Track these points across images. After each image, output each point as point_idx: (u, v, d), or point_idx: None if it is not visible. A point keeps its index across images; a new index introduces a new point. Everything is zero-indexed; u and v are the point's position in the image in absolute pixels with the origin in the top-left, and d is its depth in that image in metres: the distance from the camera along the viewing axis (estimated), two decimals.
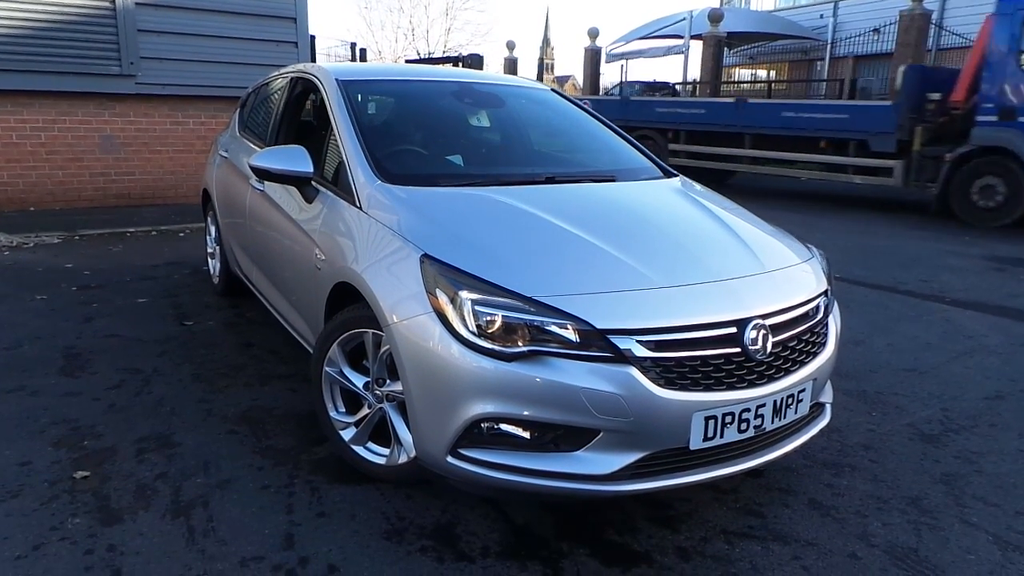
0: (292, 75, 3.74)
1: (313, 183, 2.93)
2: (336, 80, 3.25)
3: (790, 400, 2.24)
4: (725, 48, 22.18)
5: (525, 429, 2.07)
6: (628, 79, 29.09)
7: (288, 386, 3.37)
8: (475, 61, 10.96)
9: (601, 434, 2.01)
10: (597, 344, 1.98)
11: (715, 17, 20.33)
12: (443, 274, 2.13)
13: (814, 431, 2.45)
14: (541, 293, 2.05)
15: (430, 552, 2.16)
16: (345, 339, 2.52)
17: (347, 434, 2.59)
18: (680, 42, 23.07)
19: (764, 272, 2.37)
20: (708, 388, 2.06)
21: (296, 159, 2.87)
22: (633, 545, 2.23)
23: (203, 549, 2.14)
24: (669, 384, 2.01)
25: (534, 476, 2.05)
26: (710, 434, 2.08)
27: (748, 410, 2.12)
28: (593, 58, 25.17)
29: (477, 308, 2.03)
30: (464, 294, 2.05)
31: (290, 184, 2.95)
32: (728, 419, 2.09)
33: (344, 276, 2.50)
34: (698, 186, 3.24)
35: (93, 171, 7.66)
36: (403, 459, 2.42)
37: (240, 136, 4.28)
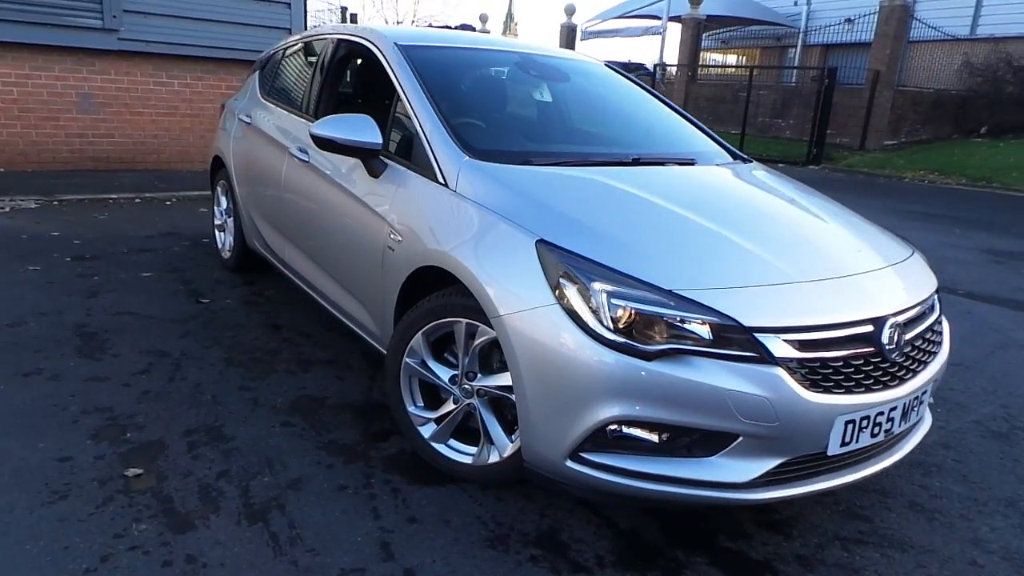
0: (335, 37, 3.45)
1: (381, 157, 2.69)
2: (396, 45, 2.99)
3: (916, 402, 2.14)
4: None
5: (654, 432, 1.91)
6: (605, 60, 28.95)
7: (333, 373, 3.15)
8: (466, 31, 10.59)
9: (740, 439, 1.87)
10: (742, 343, 1.84)
11: None
12: (569, 263, 1.94)
13: (923, 432, 2.37)
14: (680, 286, 1.89)
15: (542, 562, 2.00)
16: (431, 328, 2.32)
17: (427, 431, 2.40)
18: (658, 23, 22.94)
19: (888, 266, 2.25)
20: (848, 391, 1.93)
21: (364, 129, 2.63)
22: (750, 553, 2.11)
23: (294, 560, 1.93)
24: (814, 387, 1.88)
25: (666, 483, 1.90)
26: (847, 439, 1.96)
27: (882, 413, 2.01)
28: (569, 35, 24.87)
29: (613, 301, 1.86)
30: (598, 285, 1.88)
31: (354, 156, 2.71)
32: (864, 423, 1.98)
33: (432, 260, 2.29)
34: (777, 172, 3.11)
35: (69, 131, 7.15)
36: (493, 459, 2.25)
37: (265, 101, 3.97)
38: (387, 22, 34.17)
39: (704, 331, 1.84)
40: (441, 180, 2.42)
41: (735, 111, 18.07)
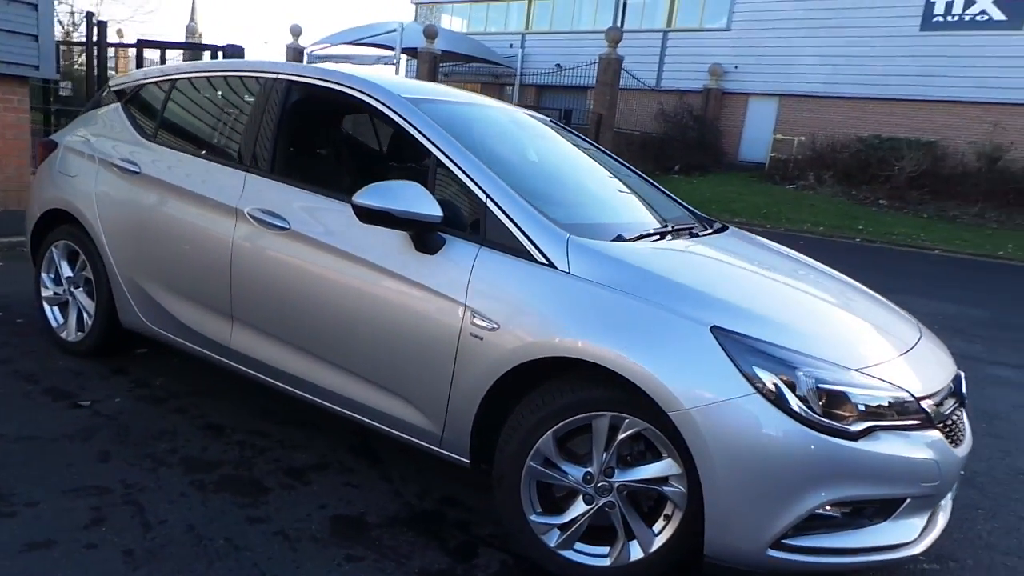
0: (286, 78, 2.91)
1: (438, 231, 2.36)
2: (407, 100, 2.65)
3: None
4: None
5: (841, 508, 1.98)
6: None
7: (339, 480, 2.64)
8: (237, 53, 9.59)
9: (908, 501, 2.03)
10: (914, 412, 2.01)
11: (430, 33, 20.85)
12: (763, 350, 1.93)
13: None
14: (858, 365, 2.00)
15: None
16: (563, 426, 2.10)
17: (551, 539, 2.17)
18: (391, 53, 23.20)
19: (923, 333, 2.59)
20: (957, 444, 2.21)
21: (420, 199, 2.29)
22: None
23: None
24: (953, 443, 2.12)
25: (855, 554, 1.99)
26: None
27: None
28: (296, 58, 23.88)
29: (821, 386, 1.89)
30: (803, 372, 1.90)
31: (408, 230, 2.33)
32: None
33: (559, 351, 2.08)
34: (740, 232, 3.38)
35: None
36: (636, 556, 2.12)
37: (160, 147, 3.18)
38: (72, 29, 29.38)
39: (888, 406, 1.97)
40: (543, 260, 2.21)
41: None
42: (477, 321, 2.23)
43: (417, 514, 2.48)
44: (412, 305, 2.36)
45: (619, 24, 22.36)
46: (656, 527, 2.11)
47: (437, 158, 2.48)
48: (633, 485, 2.10)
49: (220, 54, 9.35)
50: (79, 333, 3.51)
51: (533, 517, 2.18)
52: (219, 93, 3.23)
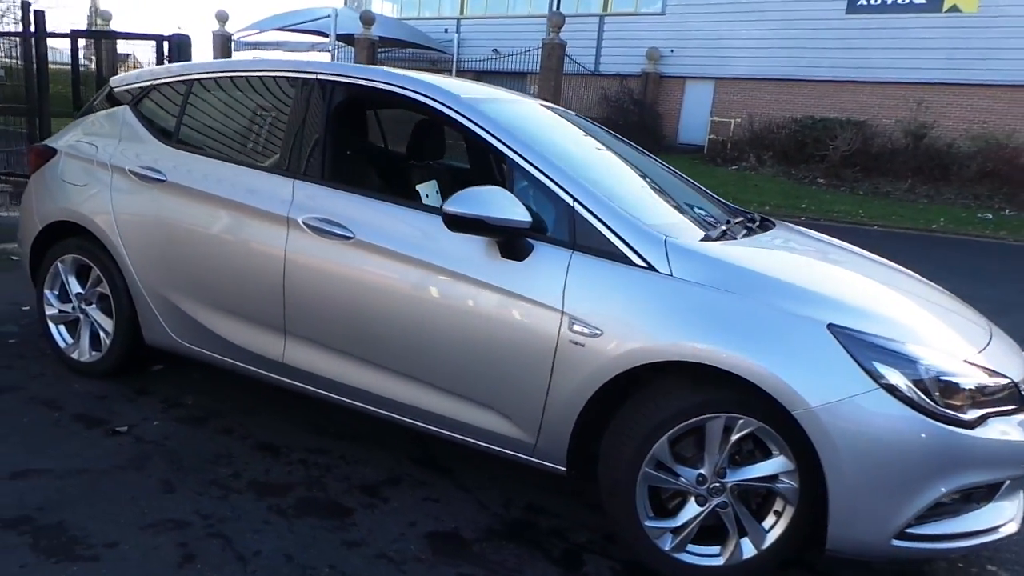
0: (325, 78, 2.76)
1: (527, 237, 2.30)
2: (469, 101, 2.57)
3: None
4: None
5: (953, 495, 2.06)
6: None
7: (419, 495, 2.56)
8: (184, 42, 9.10)
9: (1007, 483, 2.13)
10: (1015, 398, 2.09)
11: (367, 19, 20.39)
12: (881, 345, 1.98)
13: None
14: (965, 356, 2.07)
15: None
16: (678, 430, 2.10)
17: (665, 543, 2.17)
18: (325, 40, 22.54)
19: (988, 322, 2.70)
20: None
21: (509, 205, 2.23)
22: None
23: None
24: None
25: (967, 539, 2.07)
26: None
27: None
28: (224, 45, 22.89)
29: (942, 378, 1.96)
30: (921, 365, 1.96)
31: (499, 236, 2.27)
32: None
33: (670, 355, 2.06)
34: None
35: None
36: (749, 553, 2.15)
37: (186, 152, 2.97)
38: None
39: (995, 392, 2.05)
40: (641, 263, 2.19)
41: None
42: (577, 328, 2.20)
43: (509, 524, 2.44)
44: (501, 314, 2.31)
45: (555, 9, 22.41)
46: (766, 523, 2.15)
47: (515, 161, 2.42)
48: (745, 484, 2.12)
49: (166, 44, 8.86)
50: (94, 353, 3.28)
51: (648, 522, 2.18)
52: (248, 95, 3.05)
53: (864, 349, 1.97)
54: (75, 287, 3.29)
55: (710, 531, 2.19)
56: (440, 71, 27.29)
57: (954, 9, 17.45)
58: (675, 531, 2.17)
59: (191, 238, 2.89)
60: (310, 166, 2.73)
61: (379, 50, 26.11)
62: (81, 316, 3.30)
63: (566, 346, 2.22)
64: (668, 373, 2.16)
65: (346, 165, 2.82)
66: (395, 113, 3.51)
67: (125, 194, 3.06)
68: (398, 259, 2.46)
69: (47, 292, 3.37)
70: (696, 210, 2.87)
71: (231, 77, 3.08)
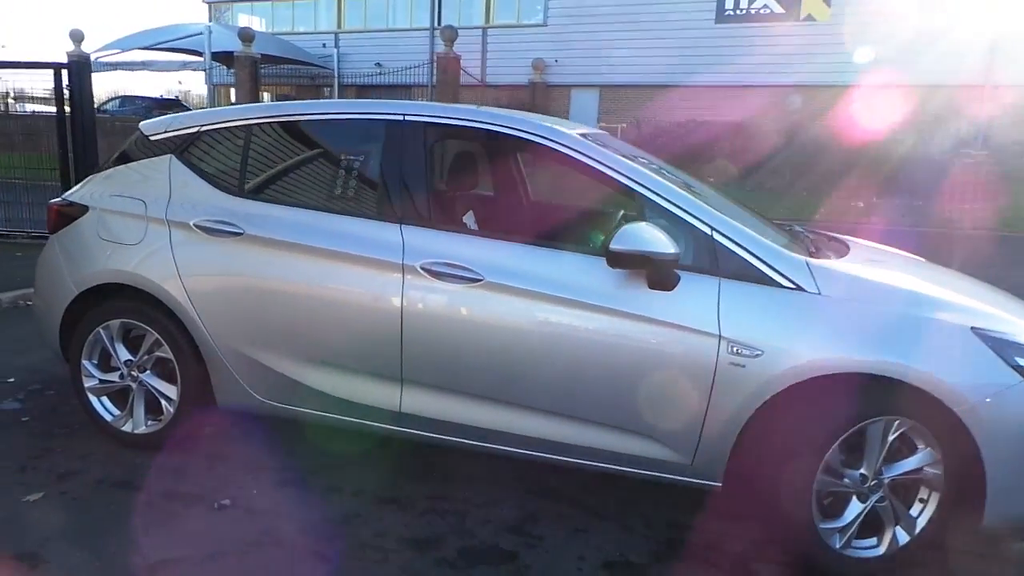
0: (414, 119, 2.71)
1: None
2: (583, 139, 2.63)
3: None
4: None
5: None
6: (131, 94, 25.35)
7: (565, 528, 2.57)
8: (83, 71, 8.36)
9: None
10: None
11: (246, 36, 19.50)
12: (1018, 342, 2.24)
13: None
14: None
15: None
16: (848, 436, 2.27)
17: (836, 541, 2.33)
18: (199, 58, 21.34)
19: None
20: None
21: (661, 240, 2.31)
22: None
23: None
24: None
25: None
26: None
27: None
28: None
29: None
30: None
31: (653, 268, 2.34)
32: None
33: (828, 368, 2.23)
34: None
35: None
36: (904, 540, 2.36)
37: (264, 203, 2.80)
38: None
39: None
40: (790, 285, 2.34)
41: None
42: (737, 350, 2.31)
43: (666, 545, 2.51)
44: (655, 343, 2.38)
45: (436, 21, 22.48)
46: (913, 511, 2.36)
47: (646, 196, 2.51)
48: (900, 478, 2.32)
49: (65, 72, 8.11)
50: (153, 423, 3.00)
51: (821, 524, 2.33)
52: (322, 139, 2.92)
53: (1005, 347, 2.22)
54: (124, 354, 3.00)
55: (863, 525, 2.37)
56: (321, 87, 26.61)
57: (809, 18, 19.22)
58: (842, 530, 2.34)
59: (280, 291, 2.74)
60: (417, 211, 2.67)
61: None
62: (133, 385, 3.01)
63: (726, 368, 2.33)
64: (834, 384, 2.30)
65: (451, 207, 2.78)
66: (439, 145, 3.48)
67: (191, 251, 2.84)
68: (537, 298, 2.47)
69: (85, 362, 3.04)
70: (785, 229, 3.09)
71: (296, 121, 2.94)
